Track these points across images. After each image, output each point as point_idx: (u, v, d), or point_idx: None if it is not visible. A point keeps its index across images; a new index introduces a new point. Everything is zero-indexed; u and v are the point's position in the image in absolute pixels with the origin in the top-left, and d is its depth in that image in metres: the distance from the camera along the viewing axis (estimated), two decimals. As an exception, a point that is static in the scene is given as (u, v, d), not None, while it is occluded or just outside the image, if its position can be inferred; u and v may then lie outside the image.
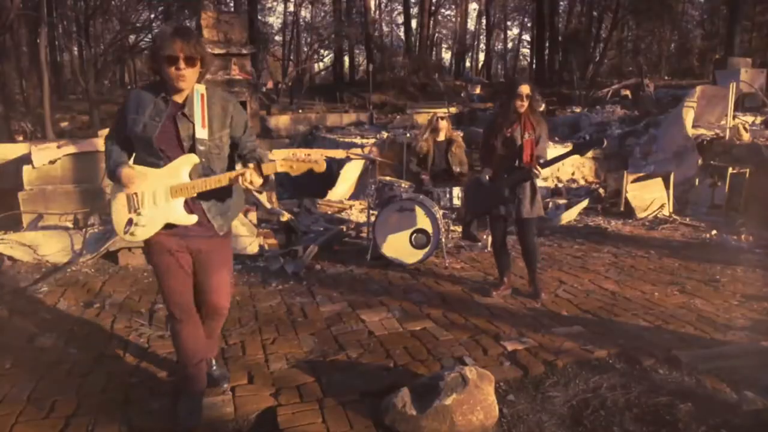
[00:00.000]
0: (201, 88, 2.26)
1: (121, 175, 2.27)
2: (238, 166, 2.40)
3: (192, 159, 2.23)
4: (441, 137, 5.65)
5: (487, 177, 4.00)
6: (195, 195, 2.26)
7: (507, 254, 4.33)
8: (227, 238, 2.51)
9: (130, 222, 2.29)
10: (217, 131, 2.29)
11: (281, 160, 2.27)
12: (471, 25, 38.33)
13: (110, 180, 2.37)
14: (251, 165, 2.21)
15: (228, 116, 2.32)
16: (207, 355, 2.69)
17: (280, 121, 18.39)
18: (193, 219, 2.28)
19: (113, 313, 3.86)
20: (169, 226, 2.31)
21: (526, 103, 3.84)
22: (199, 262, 2.42)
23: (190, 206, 2.30)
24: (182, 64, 2.11)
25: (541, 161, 3.90)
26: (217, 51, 14.25)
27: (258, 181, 2.17)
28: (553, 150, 5.54)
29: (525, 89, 3.82)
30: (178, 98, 2.24)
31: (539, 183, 4.17)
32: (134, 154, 2.37)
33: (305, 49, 30.68)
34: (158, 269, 2.42)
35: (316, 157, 2.34)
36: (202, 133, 2.22)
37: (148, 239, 2.36)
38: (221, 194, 2.36)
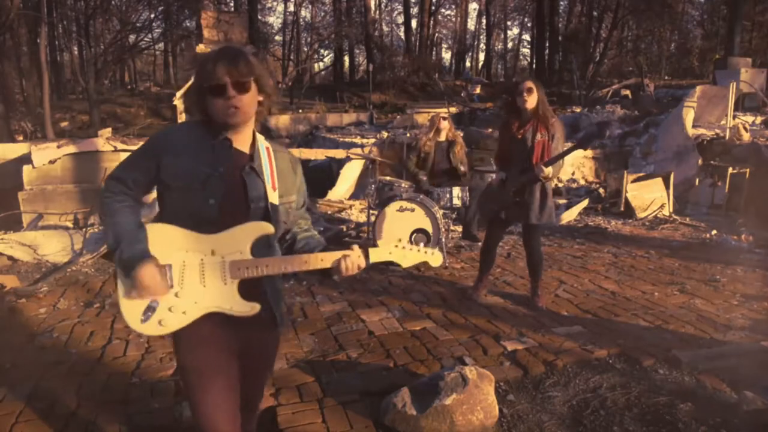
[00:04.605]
0: (263, 141, 1.73)
1: (141, 277, 1.53)
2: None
3: (264, 228, 1.63)
4: (442, 137, 5.65)
5: (500, 179, 3.90)
6: (259, 277, 1.64)
7: (494, 257, 4.21)
8: (280, 332, 1.89)
9: (152, 307, 1.57)
10: (287, 194, 1.74)
11: (392, 247, 1.75)
12: (471, 25, 38.37)
13: (116, 260, 1.59)
14: (355, 248, 1.67)
15: (297, 177, 1.80)
16: None
17: (280, 120, 18.38)
18: (255, 309, 1.62)
19: (113, 313, 3.86)
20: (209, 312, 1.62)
21: (528, 98, 3.69)
22: (248, 361, 1.75)
23: (248, 290, 1.64)
24: (231, 91, 1.57)
25: (545, 160, 3.75)
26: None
27: (362, 266, 1.68)
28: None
29: (527, 84, 3.74)
30: (239, 143, 1.67)
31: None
32: (162, 209, 1.68)
33: (305, 49, 30.67)
34: (191, 372, 1.64)
35: (430, 252, 1.79)
36: (273, 196, 1.68)
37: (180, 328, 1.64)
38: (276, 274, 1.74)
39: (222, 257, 1.60)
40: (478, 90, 22.73)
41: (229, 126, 1.62)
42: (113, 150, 6.79)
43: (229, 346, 1.67)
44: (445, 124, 5.63)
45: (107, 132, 11.98)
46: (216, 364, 1.64)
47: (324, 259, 1.66)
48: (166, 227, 1.61)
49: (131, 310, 1.58)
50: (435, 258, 1.79)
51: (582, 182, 9.61)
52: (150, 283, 1.53)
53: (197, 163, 1.60)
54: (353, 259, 1.65)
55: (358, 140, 11.82)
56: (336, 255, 1.66)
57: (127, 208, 1.63)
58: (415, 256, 1.77)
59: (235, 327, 1.64)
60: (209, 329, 1.61)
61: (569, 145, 3.88)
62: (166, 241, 1.59)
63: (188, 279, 1.59)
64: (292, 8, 32.30)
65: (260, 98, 1.66)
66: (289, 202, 1.74)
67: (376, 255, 1.72)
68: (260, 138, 1.72)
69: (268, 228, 1.63)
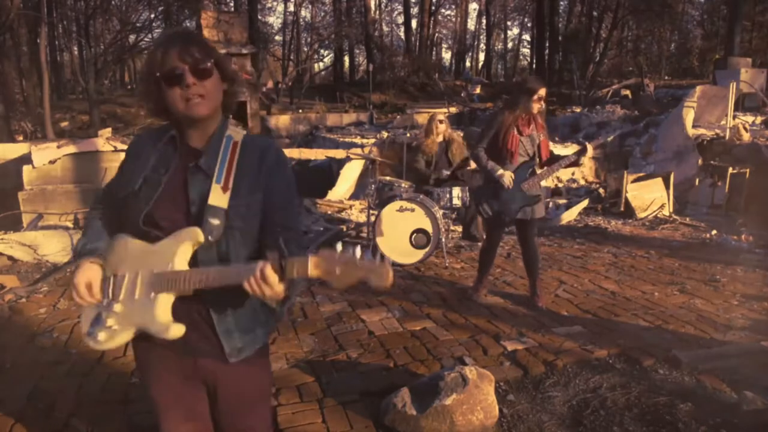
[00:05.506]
0: (237, 134, 1.47)
1: (75, 275, 1.41)
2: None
3: (195, 236, 1.36)
4: (440, 138, 5.67)
5: (508, 179, 3.75)
6: (190, 292, 1.36)
7: (494, 257, 4.22)
8: (261, 363, 1.58)
9: (98, 319, 1.44)
10: (246, 194, 1.43)
11: (315, 259, 1.22)
12: (471, 25, 38.37)
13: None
14: (270, 258, 1.27)
15: (262, 171, 1.45)
16: None
17: (280, 121, 18.40)
18: (177, 332, 1.36)
19: (113, 313, 3.85)
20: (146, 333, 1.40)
21: (538, 105, 3.81)
22: (216, 396, 1.53)
23: (182, 310, 1.40)
24: (190, 78, 1.35)
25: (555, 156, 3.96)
26: (217, 51, 14.26)
27: (275, 286, 1.25)
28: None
29: (543, 91, 3.80)
30: (197, 140, 1.45)
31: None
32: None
33: (305, 49, 30.69)
34: (154, 402, 1.55)
35: (374, 266, 1.20)
36: (219, 198, 1.39)
37: (135, 347, 1.52)
38: (244, 295, 1.33)
39: (152, 269, 1.39)
40: (478, 90, 22.76)
41: (192, 119, 1.41)
42: (113, 150, 6.79)
43: (194, 374, 1.50)
44: (442, 128, 5.63)
45: (107, 132, 11.97)
46: (177, 395, 1.52)
47: (237, 275, 1.31)
48: (120, 238, 1.47)
49: (85, 319, 1.49)
50: (381, 277, 1.21)
51: (582, 182, 9.61)
52: (78, 283, 1.40)
53: (141, 169, 1.45)
54: (257, 274, 1.25)
55: (358, 140, 11.83)
56: (242, 268, 1.31)
57: (99, 225, 1.56)
58: (347, 273, 1.22)
59: (196, 353, 1.46)
60: (170, 355, 1.47)
61: (556, 145, 3.99)
62: (117, 252, 1.46)
63: (125, 292, 1.42)
64: (292, 8, 32.34)
65: (225, 86, 1.45)
66: (249, 203, 1.44)
67: (294, 268, 1.24)
68: (233, 132, 1.48)
69: (197, 235, 1.36)
